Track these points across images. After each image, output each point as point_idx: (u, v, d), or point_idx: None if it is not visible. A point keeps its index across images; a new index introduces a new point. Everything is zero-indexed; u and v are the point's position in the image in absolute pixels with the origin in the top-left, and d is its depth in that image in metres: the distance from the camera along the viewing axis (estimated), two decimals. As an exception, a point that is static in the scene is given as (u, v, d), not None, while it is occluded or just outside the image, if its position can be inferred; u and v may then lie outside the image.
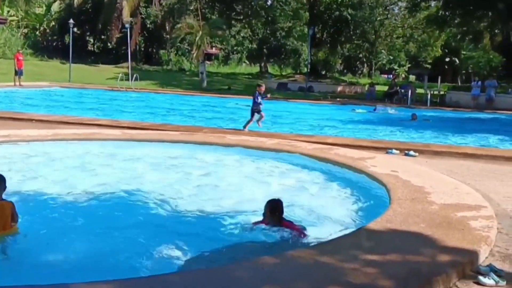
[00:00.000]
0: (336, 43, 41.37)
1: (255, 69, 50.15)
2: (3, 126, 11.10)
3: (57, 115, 14.26)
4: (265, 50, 46.39)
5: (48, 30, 48.27)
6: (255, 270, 3.67)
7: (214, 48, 53.81)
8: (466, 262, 3.99)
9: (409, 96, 24.48)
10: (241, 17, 43.45)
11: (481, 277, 3.77)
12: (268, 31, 46.27)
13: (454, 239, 4.40)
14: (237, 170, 7.90)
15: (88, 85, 27.80)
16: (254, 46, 49.60)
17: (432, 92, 26.03)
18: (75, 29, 38.33)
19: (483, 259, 4.21)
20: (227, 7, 40.50)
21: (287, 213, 5.21)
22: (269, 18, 43.32)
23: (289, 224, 4.98)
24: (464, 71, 44.17)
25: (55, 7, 46.90)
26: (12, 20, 44.71)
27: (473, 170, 8.34)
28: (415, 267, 3.78)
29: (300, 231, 4.95)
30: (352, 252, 4.01)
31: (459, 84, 40.40)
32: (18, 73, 24.38)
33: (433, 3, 35.61)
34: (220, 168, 7.98)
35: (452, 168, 8.24)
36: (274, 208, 4.98)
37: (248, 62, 54.42)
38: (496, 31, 34.03)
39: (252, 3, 40.67)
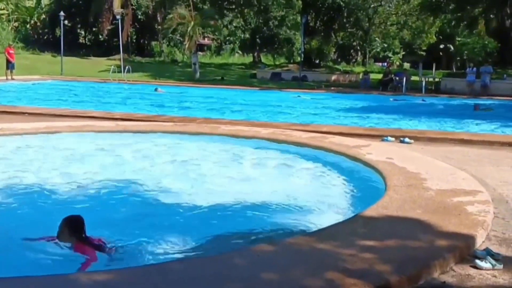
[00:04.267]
0: (329, 32, 41.12)
1: (248, 59, 49.87)
2: (-4, 120, 11.00)
3: (50, 108, 14.14)
4: (258, 39, 46.07)
5: (38, 23, 47.74)
6: (252, 257, 3.67)
7: (206, 39, 53.53)
8: (463, 247, 3.99)
9: (404, 83, 24.46)
10: (233, 7, 43.10)
11: (478, 261, 3.77)
12: (260, 21, 45.91)
13: (450, 224, 4.41)
14: (232, 160, 7.86)
15: (80, 77, 27.58)
16: (247, 36, 49.25)
17: (427, 79, 26.01)
18: (66, 22, 37.91)
19: (480, 243, 4.22)
20: (219, -3, 40.17)
21: (284, 202, 5.17)
22: (262, 7, 42.95)
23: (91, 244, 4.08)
24: (459, 58, 44.04)
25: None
26: (2, 14, 44.25)
27: (469, 155, 8.34)
28: (412, 252, 3.78)
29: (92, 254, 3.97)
30: (349, 238, 4.00)
31: (454, 70, 40.34)
32: (10, 66, 24.20)
33: (427, -11, 35.39)
34: (209, 158, 7.92)
35: (447, 154, 8.24)
36: (75, 228, 4.08)
37: (241, 52, 54.14)
38: (491, 16, 33.86)
39: (244, -9, 40.37)
